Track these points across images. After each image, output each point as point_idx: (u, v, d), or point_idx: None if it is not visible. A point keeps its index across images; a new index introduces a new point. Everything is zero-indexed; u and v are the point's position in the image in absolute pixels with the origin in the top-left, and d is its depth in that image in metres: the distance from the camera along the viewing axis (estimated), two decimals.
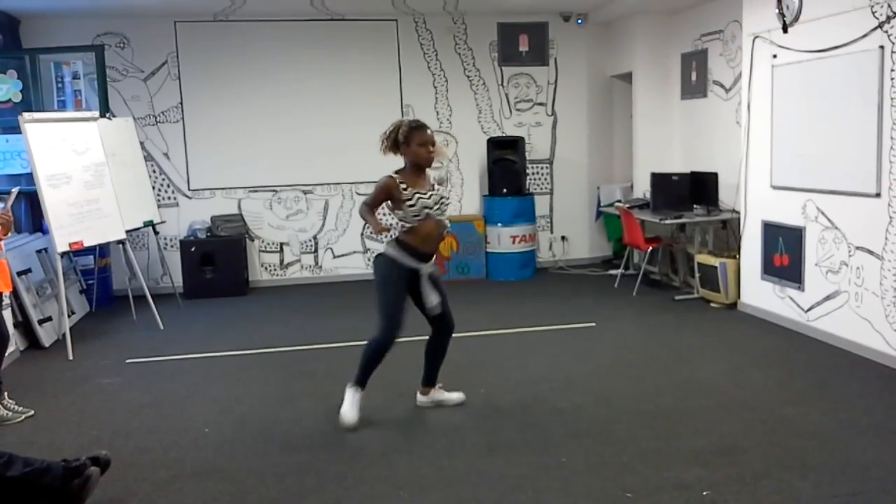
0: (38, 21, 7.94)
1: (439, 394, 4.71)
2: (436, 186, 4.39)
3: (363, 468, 3.87)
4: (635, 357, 5.59)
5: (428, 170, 4.42)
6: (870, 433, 4.07)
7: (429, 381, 4.70)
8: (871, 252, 5.29)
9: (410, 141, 4.31)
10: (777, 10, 6.02)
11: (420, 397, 4.72)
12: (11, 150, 7.03)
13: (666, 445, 3.99)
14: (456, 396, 4.70)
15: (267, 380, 5.36)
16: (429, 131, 4.33)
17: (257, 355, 6.00)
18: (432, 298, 4.38)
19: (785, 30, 5.95)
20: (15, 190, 4.84)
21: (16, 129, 6.51)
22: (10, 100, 7.25)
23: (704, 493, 3.45)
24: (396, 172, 4.37)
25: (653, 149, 8.64)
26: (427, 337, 4.64)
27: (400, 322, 4.37)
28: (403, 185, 4.28)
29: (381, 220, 4.42)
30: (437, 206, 4.31)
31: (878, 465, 3.69)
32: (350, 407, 4.40)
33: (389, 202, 4.34)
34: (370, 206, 4.41)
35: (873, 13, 5.16)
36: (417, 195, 4.26)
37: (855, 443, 3.95)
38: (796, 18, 5.88)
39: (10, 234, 4.65)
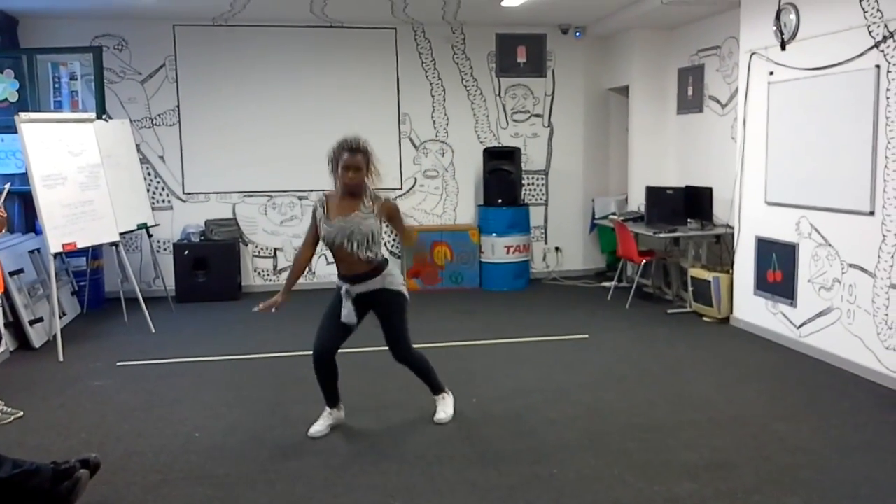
0: (36, 21, 7.93)
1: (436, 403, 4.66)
2: (357, 214, 4.17)
3: (354, 476, 3.85)
4: (627, 369, 5.60)
5: (381, 198, 4.25)
6: (861, 450, 4.08)
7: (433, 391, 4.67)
8: (863, 270, 5.31)
9: (337, 161, 4.21)
10: (775, 28, 6.06)
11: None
12: (7, 149, 7.01)
13: (657, 459, 3.99)
14: (441, 416, 4.59)
15: (258, 385, 5.35)
16: (357, 156, 4.16)
17: (249, 360, 5.98)
18: (343, 314, 4.29)
19: (783, 47, 5.99)
20: (6, 186, 4.81)
21: (11, 129, 6.50)
22: (6, 99, 7.24)
23: None
24: (325, 194, 4.33)
25: (648, 162, 8.68)
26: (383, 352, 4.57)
27: (319, 338, 4.37)
28: (323, 209, 4.24)
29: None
30: (342, 237, 4.14)
31: (868, 482, 3.70)
32: (322, 421, 4.46)
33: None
34: (306, 244, 4.37)
35: (870, 32, 5.19)
36: (323, 223, 4.20)
37: (846, 460, 3.96)
38: (794, 36, 5.92)
39: (3, 232, 4.61)
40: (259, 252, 8.83)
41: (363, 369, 5.67)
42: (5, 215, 4.49)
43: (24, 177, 6.57)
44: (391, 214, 4.32)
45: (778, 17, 6.04)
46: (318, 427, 4.42)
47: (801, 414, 4.65)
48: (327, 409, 4.50)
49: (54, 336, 6.20)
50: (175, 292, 8.16)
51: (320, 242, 4.31)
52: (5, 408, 4.73)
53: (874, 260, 5.21)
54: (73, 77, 7.82)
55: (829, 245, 5.65)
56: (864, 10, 5.23)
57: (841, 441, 4.21)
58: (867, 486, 3.65)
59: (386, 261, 4.36)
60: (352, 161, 4.17)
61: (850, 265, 5.44)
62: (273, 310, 4.30)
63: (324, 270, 8.90)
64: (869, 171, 5.21)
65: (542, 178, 9.33)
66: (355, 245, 4.15)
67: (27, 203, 7.13)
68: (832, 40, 5.55)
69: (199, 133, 8.52)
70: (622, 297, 7.85)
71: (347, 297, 4.28)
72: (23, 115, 6.19)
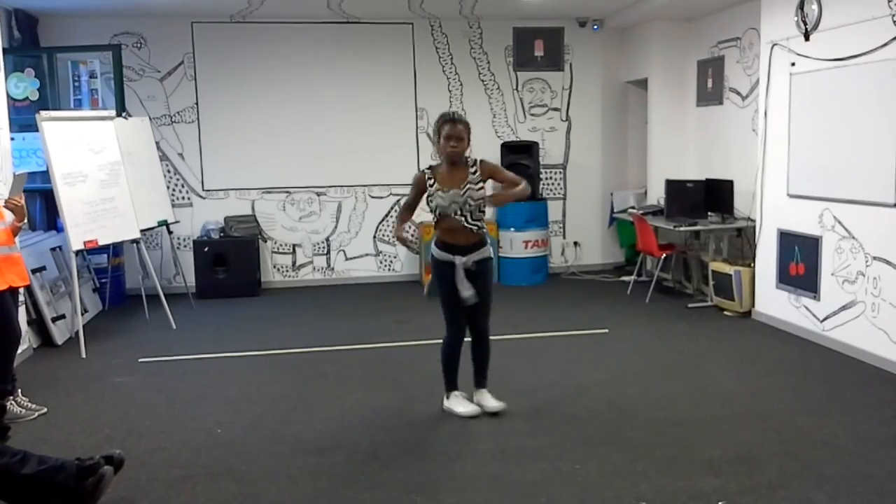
0: (55, 20, 7.98)
1: (480, 396, 4.65)
2: (467, 183, 4.32)
3: (375, 471, 3.85)
4: (649, 364, 5.56)
5: (478, 161, 4.40)
6: (887, 445, 4.03)
7: (475, 383, 4.68)
8: (888, 262, 5.25)
9: (439, 133, 4.35)
10: (797, 18, 5.99)
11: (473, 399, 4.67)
12: (28, 148, 7.06)
13: (681, 454, 3.96)
14: (494, 405, 4.58)
15: (279, 381, 5.36)
16: (458, 126, 4.32)
17: (269, 356, 6.00)
18: (463, 291, 4.33)
19: (807, 38, 5.91)
20: (24, 172, 4.82)
21: (32, 128, 6.54)
22: (27, 98, 7.28)
23: (720, 503, 3.43)
24: (430, 167, 4.47)
25: (667, 155, 8.62)
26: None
27: (456, 319, 4.43)
28: (430, 181, 4.36)
29: (407, 232, 4.44)
30: (454, 205, 4.29)
31: (895, 477, 3.65)
32: (463, 406, 4.54)
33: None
34: (405, 206, 4.51)
35: (894, 22, 5.12)
36: (437, 193, 4.31)
37: (872, 454, 3.91)
38: (816, 26, 5.85)
39: (23, 222, 4.63)
40: (278, 248, 8.85)
41: (383, 364, 5.69)
42: (22, 204, 4.50)
43: (45, 175, 6.62)
44: (493, 170, 4.47)
45: (801, 8, 5.97)
46: (471, 407, 4.52)
47: (826, 408, 4.60)
48: (455, 392, 4.59)
49: (76, 333, 6.24)
50: (195, 289, 8.20)
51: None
52: (29, 404, 4.77)
53: None
54: (92, 75, 7.87)
55: (853, 237, 5.59)
56: None
57: (867, 436, 4.16)
58: (894, 482, 3.60)
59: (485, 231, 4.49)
60: (454, 131, 4.32)
61: (875, 258, 5.37)
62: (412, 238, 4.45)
63: (342, 266, 8.93)
64: (893, 162, 5.14)
65: (561, 173, 9.29)
66: (469, 215, 4.32)
67: (48, 201, 7.18)
68: (855, 31, 5.48)
69: (217, 130, 8.55)
70: (642, 291, 7.81)
71: (460, 271, 4.33)
72: (43, 113, 6.23)
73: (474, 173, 4.37)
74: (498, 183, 4.51)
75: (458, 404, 4.56)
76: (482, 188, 4.38)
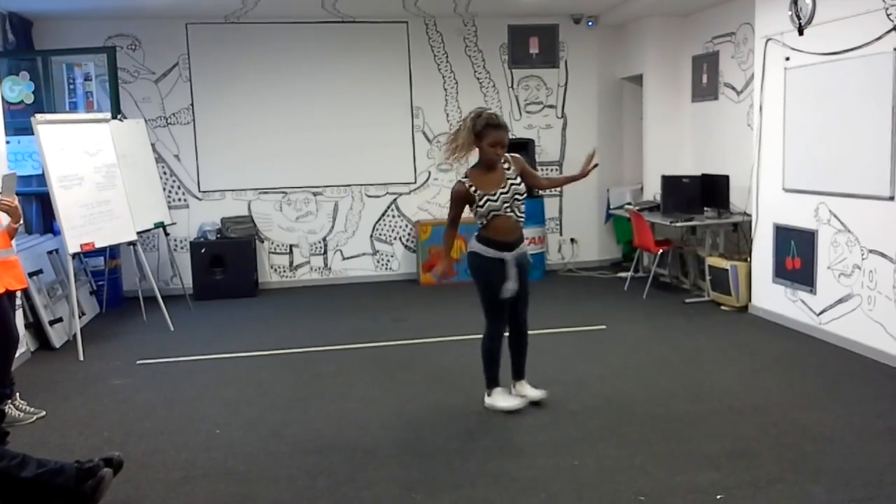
0: (50, 23, 7.97)
1: (521, 387, 4.73)
2: (507, 180, 4.41)
3: (375, 469, 3.86)
4: (646, 360, 5.57)
5: (508, 156, 4.48)
6: (884, 437, 4.04)
7: (514, 375, 4.75)
8: (884, 255, 5.26)
9: (484, 137, 4.36)
10: (791, 13, 6.00)
11: (511, 390, 4.73)
12: (23, 151, 7.05)
13: (679, 449, 3.97)
14: (536, 393, 4.69)
15: (277, 381, 5.36)
16: (503, 133, 4.38)
17: (267, 357, 6.00)
18: (508, 286, 4.43)
19: (801, 32, 5.93)
20: (14, 172, 4.80)
21: (28, 131, 6.53)
22: (22, 101, 7.27)
23: (718, 497, 3.43)
24: (465, 175, 4.45)
25: (663, 151, 8.63)
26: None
27: (501, 314, 4.49)
28: (473, 189, 4.38)
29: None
30: (506, 205, 4.36)
31: (892, 469, 3.66)
32: (507, 400, 4.57)
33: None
34: (453, 224, 4.54)
35: (888, 15, 5.13)
36: (486, 198, 4.35)
37: (869, 447, 3.92)
38: (810, 21, 5.86)
39: (20, 223, 4.61)
40: (275, 249, 8.85)
41: (381, 363, 5.69)
42: (16, 205, 4.48)
43: (41, 178, 6.61)
44: (523, 165, 4.57)
45: (795, 3, 5.98)
46: (516, 400, 4.57)
47: (823, 402, 4.62)
48: (497, 388, 4.62)
49: (74, 336, 6.24)
50: (193, 290, 8.20)
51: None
52: (28, 407, 4.77)
53: (895, 245, 5.16)
54: (87, 78, 7.86)
55: (849, 231, 5.60)
56: None
57: (864, 428, 4.17)
58: (891, 474, 3.62)
59: None
60: (501, 138, 4.38)
61: (871, 251, 5.39)
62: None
63: (339, 266, 8.93)
64: (888, 155, 5.15)
65: (557, 169, 9.29)
66: (517, 210, 4.42)
67: (45, 204, 7.18)
68: (849, 24, 5.49)
69: (213, 131, 8.55)
70: (639, 287, 7.82)
71: (511, 267, 4.42)
72: (39, 116, 6.22)
73: (508, 169, 4.46)
74: (525, 177, 4.58)
75: (502, 399, 4.60)
76: (521, 182, 4.48)
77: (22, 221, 4.70)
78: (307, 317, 7.38)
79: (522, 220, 4.50)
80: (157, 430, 4.50)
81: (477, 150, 4.43)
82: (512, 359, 4.71)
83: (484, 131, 4.35)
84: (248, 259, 8.39)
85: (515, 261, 4.46)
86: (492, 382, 4.62)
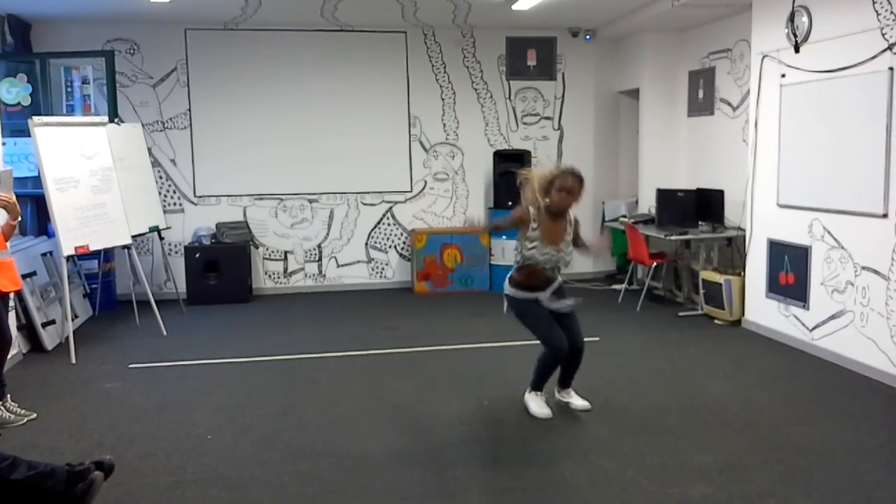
0: (48, 25, 7.98)
1: (567, 395, 4.84)
2: (562, 244, 4.47)
3: (366, 477, 3.85)
4: (639, 372, 5.58)
5: (574, 217, 4.59)
6: (875, 453, 4.06)
7: (562, 384, 4.84)
8: (877, 272, 5.29)
9: (551, 182, 4.42)
10: (787, 30, 6.04)
11: (556, 395, 4.87)
12: (20, 153, 7.04)
13: (671, 461, 3.97)
14: (581, 403, 4.77)
15: (269, 388, 5.35)
16: (574, 181, 4.40)
17: (260, 363, 5.99)
18: (562, 307, 4.56)
19: (797, 49, 5.96)
20: (10, 168, 4.79)
21: (24, 133, 6.54)
22: (19, 103, 7.28)
23: None
24: (544, 203, 4.47)
25: (658, 165, 8.66)
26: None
27: (555, 338, 4.52)
28: (535, 225, 4.43)
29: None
30: (547, 264, 4.45)
31: (883, 485, 3.67)
32: (539, 407, 4.65)
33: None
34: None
35: (883, 35, 5.17)
36: (535, 246, 4.41)
37: (860, 463, 3.94)
38: (806, 38, 5.91)
39: (17, 220, 4.60)
40: (270, 255, 8.84)
41: (374, 371, 5.68)
42: (14, 201, 4.47)
43: (36, 180, 6.60)
44: (578, 233, 4.65)
45: (791, 20, 6.03)
46: (545, 411, 4.64)
47: (815, 417, 4.63)
48: (538, 392, 4.72)
49: (66, 338, 6.22)
50: (186, 295, 8.19)
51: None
52: (18, 410, 4.75)
53: (888, 262, 5.18)
54: (85, 81, 7.85)
55: (842, 247, 5.63)
56: (877, 12, 5.21)
57: (855, 444, 4.18)
58: (882, 490, 3.63)
59: None
60: (570, 184, 4.40)
61: (864, 268, 5.41)
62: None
63: (334, 273, 8.93)
64: (882, 173, 5.19)
65: None
66: (558, 270, 4.56)
67: (40, 206, 7.16)
68: (845, 43, 5.53)
69: (210, 136, 8.55)
70: (633, 299, 7.83)
71: (548, 303, 4.54)
72: (36, 118, 6.22)
73: (569, 232, 4.55)
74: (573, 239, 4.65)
75: (536, 404, 4.68)
76: (571, 251, 4.58)
77: (20, 219, 4.68)
78: (301, 323, 7.37)
79: (557, 274, 4.60)
80: (148, 434, 4.49)
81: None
82: (563, 368, 4.77)
83: (554, 180, 4.40)
84: (242, 265, 8.39)
85: (551, 292, 4.56)
86: (537, 386, 4.72)
